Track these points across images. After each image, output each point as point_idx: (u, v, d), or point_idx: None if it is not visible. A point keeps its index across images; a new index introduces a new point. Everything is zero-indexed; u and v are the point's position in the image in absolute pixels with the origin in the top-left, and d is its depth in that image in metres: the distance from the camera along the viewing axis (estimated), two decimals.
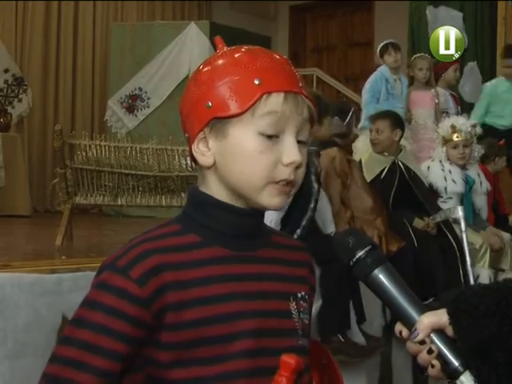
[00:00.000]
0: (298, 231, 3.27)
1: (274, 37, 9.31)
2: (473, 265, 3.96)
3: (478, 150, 4.75)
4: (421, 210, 4.19)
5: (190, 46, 7.22)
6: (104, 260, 1.04)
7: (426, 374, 0.99)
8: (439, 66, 5.63)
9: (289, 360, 0.99)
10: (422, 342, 0.98)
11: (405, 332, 1.00)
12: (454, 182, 4.44)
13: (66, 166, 4.03)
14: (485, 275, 4.22)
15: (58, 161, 4.12)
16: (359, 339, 3.37)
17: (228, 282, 1.03)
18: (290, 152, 1.03)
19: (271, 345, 1.04)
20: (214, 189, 1.07)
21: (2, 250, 3.75)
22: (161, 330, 1.00)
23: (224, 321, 1.01)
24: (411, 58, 5.79)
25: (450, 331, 0.98)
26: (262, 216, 1.12)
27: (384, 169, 4.31)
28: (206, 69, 1.07)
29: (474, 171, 4.65)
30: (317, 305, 3.16)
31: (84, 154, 4.06)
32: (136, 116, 7.43)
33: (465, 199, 4.50)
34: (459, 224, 4.01)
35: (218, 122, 1.04)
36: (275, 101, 1.02)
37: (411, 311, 1.00)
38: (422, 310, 1.00)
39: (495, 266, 4.39)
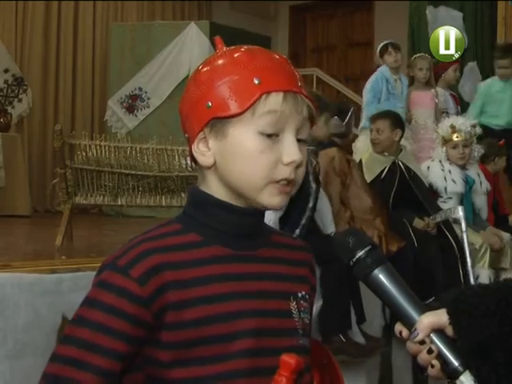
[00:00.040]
0: (297, 231, 3.27)
1: (274, 37, 9.31)
2: (473, 265, 3.96)
3: (478, 150, 4.75)
4: (421, 210, 4.19)
5: (190, 46, 7.22)
6: (104, 259, 1.04)
7: (426, 373, 0.99)
8: (439, 66, 5.64)
9: (289, 360, 0.99)
10: (422, 342, 0.98)
11: (405, 332, 1.00)
12: (453, 181, 4.44)
13: (66, 165, 4.03)
14: (485, 275, 4.21)
15: (58, 161, 4.12)
16: (359, 339, 3.37)
17: (228, 282, 1.04)
18: (290, 151, 1.03)
19: (271, 344, 1.04)
20: (214, 188, 1.07)
21: (2, 250, 3.75)
22: (161, 330, 1.00)
23: (224, 320, 1.01)
24: (411, 57, 5.80)
25: (449, 331, 0.98)
26: (262, 215, 1.12)
27: (384, 169, 4.31)
28: (205, 69, 1.07)
29: (474, 171, 4.65)
30: (317, 305, 3.16)
31: (84, 153, 4.06)
32: (136, 116, 7.43)
33: (465, 199, 4.50)
34: (459, 224, 4.00)
35: (218, 121, 1.04)
36: (274, 100, 1.02)
37: (411, 311, 1.00)
38: (422, 310, 1.00)
39: (495, 266, 4.39)
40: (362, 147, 5.13)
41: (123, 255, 1.02)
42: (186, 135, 1.09)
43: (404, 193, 4.24)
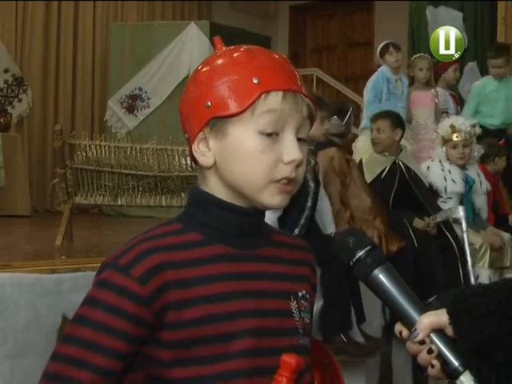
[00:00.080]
0: (297, 231, 3.27)
1: (274, 37, 9.31)
2: (473, 265, 3.96)
3: (478, 150, 4.75)
4: (421, 210, 4.19)
5: (190, 46, 7.22)
6: (105, 259, 1.04)
7: (426, 373, 0.99)
8: (439, 66, 5.64)
9: (289, 360, 0.99)
10: (422, 342, 0.98)
11: (405, 332, 1.00)
12: (453, 181, 4.44)
13: (66, 165, 4.03)
14: (485, 275, 4.21)
15: (58, 161, 4.12)
16: (359, 339, 3.37)
17: (229, 281, 1.04)
18: (291, 150, 1.03)
19: (271, 344, 1.04)
20: (215, 188, 1.07)
21: (2, 250, 3.75)
22: (162, 329, 1.00)
23: (224, 319, 1.01)
24: (411, 58, 5.80)
25: (450, 331, 0.98)
26: (263, 215, 1.12)
27: (385, 169, 4.31)
28: (204, 69, 1.07)
29: (474, 171, 4.65)
30: (318, 304, 3.16)
31: (84, 154, 4.06)
32: (136, 116, 7.43)
33: (465, 199, 4.50)
34: (460, 224, 4.00)
35: (218, 121, 1.04)
36: (274, 99, 1.02)
37: (411, 311, 1.00)
38: (422, 310, 1.00)
39: (495, 265, 4.39)
40: (362, 147, 5.13)
41: (124, 254, 1.02)
42: (186, 135, 1.09)
43: (404, 193, 4.24)
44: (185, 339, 1.00)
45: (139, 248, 1.02)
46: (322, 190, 3.61)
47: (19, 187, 6.43)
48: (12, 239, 4.81)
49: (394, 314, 1.02)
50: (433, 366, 0.98)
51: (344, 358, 3.15)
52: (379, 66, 5.61)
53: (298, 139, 1.05)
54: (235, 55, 1.06)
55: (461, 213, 3.99)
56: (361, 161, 4.41)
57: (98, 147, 4.06)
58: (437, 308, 1.00)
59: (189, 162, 3.70)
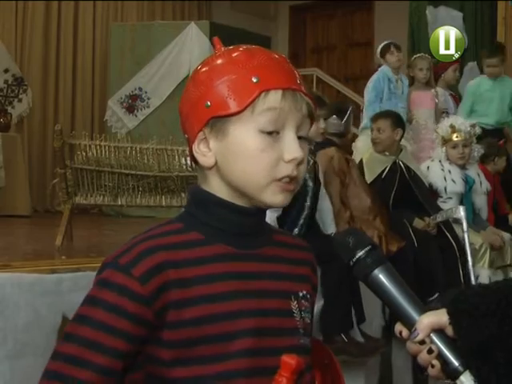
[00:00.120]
0: (296, 230, 3.27)
1: (274, 37, 9.31)
2: (473, 265, 3.95)
3: (478, 150, 4.75)
4: (421, 210, 4.19)
5: (190, 46, 7.22)
6: (105, 258, 1.04)
7: (426, 373, 0.99)
8: (439, 66, 5.64)
9: (289, 360, 0.99)
10: (422, 342, 0.98)
11: (405, 332, 1.00)
12: (453, 181, 4.44)
13: (66, 165, 4.03)
14: (485, 275, 4.21)
15: (58, 161, 4.12)
16: (359, 339, 3.37)
17: (230, 280, 1.03)
18: (291, 148, 1.03)
19: (272, 344, 1.04)
20: (216, 188, 1.07)
21: (2, 250, 3.75)
22: (162, 328, 1.00)
23: (225, 319, 1.01)
24: (411, 58, 5.80)
25: (450, 331, 0.98)
26: (264, 214, 1.12)
27: (385, 169, 4.31)
28: (204, 69, 1.08)
29: (474, 171, 4.65)
30: (319, 304, 3.16)
31: (84, 154, 4.05)
32: (136, 116, 7.43)
33: (465, 199, 4.50)
34: (460, 224, 4.00)
35: (218, 121, 1.04)
36: (273, 98, 1.03)
37: (411, 311, 1.00)
38: (422, 309, 1.00)
39: (495, 265, 4.39)
40: (362, 147, 5.13)
41: (124, 254, 1.01)
42: (186, 135, 1.09)
43: (404, 193, 4.24)
44: (185, 339, 1.00)
45: (140, 247, 1.02)
46: (322, 190, 3.62)
47: (19, 187, 6.43)
48: (12, 239, 4.81)
49: (394, 314, 1.02)
50: (433, 366, 0.98)
51: (344, 357, 3.15)
52: (379, 66, 5.61)
53: (299, 137, 1.05)
54: (234, 55, 1.06)
55: (461, 213, 3.99)
56: (361, 161, 4.41)
57: (98, 147, 4.06)
58: (437, 308, 1.00)
59: (189, 162, 3.70)
